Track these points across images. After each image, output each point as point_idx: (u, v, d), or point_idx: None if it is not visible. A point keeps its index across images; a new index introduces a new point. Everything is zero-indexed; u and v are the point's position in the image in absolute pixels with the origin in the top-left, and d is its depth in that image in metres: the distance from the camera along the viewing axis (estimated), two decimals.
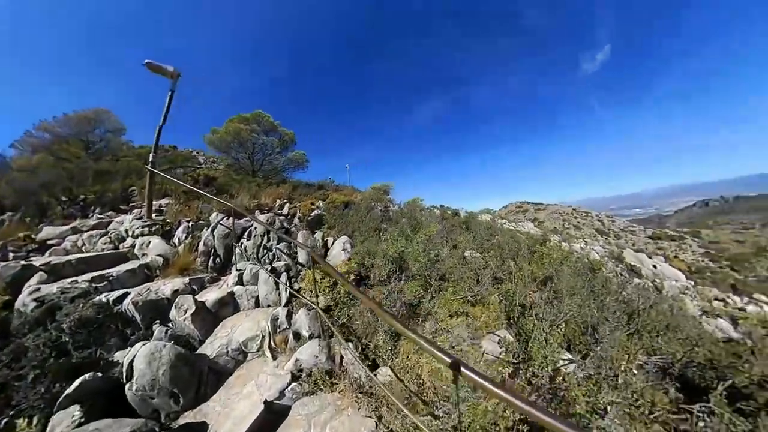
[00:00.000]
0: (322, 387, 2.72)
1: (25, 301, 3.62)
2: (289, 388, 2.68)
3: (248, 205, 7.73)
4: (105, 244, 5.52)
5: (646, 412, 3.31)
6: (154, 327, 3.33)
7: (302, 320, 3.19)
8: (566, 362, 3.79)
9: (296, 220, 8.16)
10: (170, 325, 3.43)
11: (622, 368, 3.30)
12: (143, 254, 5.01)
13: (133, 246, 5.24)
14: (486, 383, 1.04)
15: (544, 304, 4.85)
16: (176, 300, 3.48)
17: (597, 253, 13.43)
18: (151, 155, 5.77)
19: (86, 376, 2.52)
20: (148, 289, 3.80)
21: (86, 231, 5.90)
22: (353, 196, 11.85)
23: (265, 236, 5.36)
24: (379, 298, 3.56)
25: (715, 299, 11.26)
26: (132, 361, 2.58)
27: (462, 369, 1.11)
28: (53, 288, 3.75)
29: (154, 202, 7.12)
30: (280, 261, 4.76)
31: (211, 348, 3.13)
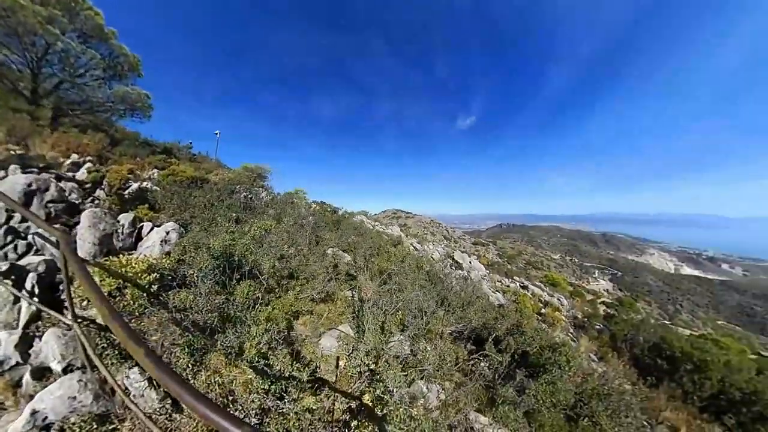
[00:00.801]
0: None
1: None
2: None
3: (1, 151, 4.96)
4: None
5: (450, 367, 4.53)
6: None
7: (51, 346, 2.18)
8: (397, 342, 4.45)
9: (100, 192, 5.91)
10: None
11: (433, 338, 4.27)
12: None
13: None
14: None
15: (389, 295, 5.56)
16: None
17: (439, 253, 16.97)
18: None
19: None
20: None
21: None
22: (215, 172, 9.72)
23: (17, 213, 3.48)
24: (190, 302, 2.91)
25: (497, 281, 16.65)
26: None
27: None
28: None
29: None
30: (39, 254, 3.18)
31: None
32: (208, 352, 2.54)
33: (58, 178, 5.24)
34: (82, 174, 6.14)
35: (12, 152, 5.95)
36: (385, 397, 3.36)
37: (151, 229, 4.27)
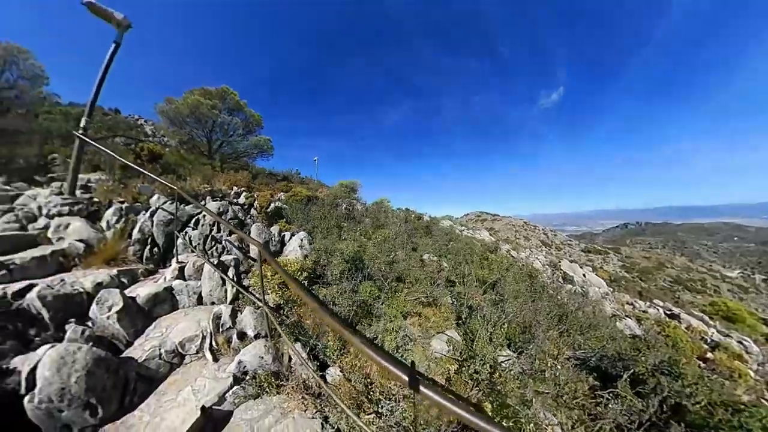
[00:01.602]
0: (267, 390, 2.61)
1: None
2: (230, 392, 2.52)
3: (199, 189, 7.07)
4: (8, 223, 4.59)
5: (569, 399, 3.82)
6: (67, 327, 2.86)
7: (248, 319, 3.01)
8: (506, 359, 4.18)
9: (253, 211, 7.71)
10: (89, 324, 2.99)
11: (549, 364, 3.74)
12: (59, 238, 4.27)
13: (46, 228, 4.44)
14: (445, 402, 1.03)
15: (491, 306, 5.27)
16: (98, 295, 3.03)
17: (540, 261, 14.93)
18: (83, 119, 4.84)
19: None
20: (62, 280, 3.25)
21: None
22: (319, 191, 11.51)
23: (215, 226, 4.95)
24: (333, 297, 3.51)
25: (627, 303, 13.27)
26: (34, 369, 2.19)
27: (421, 388, 1.10)
28: None
29: (81, 176, 6.04)
30: (229, 254, 4.43)
31: (140, 350, 2.80)
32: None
33: (230, 203, 7.21)
34: (241, 200, 8.30)
35: (205, 188, 8.66)
36: (505, 410, 3.17)
37: (291, 237, 5.34)
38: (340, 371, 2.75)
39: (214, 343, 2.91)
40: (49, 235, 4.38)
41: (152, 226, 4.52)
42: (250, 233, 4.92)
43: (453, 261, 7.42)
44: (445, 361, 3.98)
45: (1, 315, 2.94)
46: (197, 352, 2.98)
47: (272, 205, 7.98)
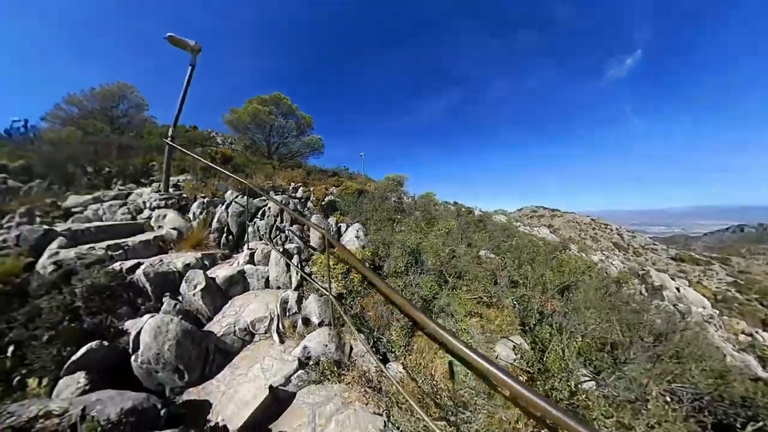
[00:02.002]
0: (329, 377, 2.60)
1: (44, 263, 3.65)
2: (295, 375, 2.57)
3: (263, 185, 7.68)
4: (124, 214, 5.57)
5: None
6: (163, 299, 3.28)
7: (313, 306, 3.06)
8: (588, 378, 3.53)
9: (310, 204, 8.07)
10: (179, 299, 3.39)
11: (654, 394, 3.02)
12: (159, 226, 5.01)
13: (149, 218, 5.26)
14: (474, 356, 1.02)
15: (563, 314, 4.59)
16: (187, 274, 3.42)
17: (615, 267, 12.81)
18: (170, 129, 5.77)
19: (93, 344, 2.48)
20: (161, 260, 3.76)
21: (107, 201, 5.97)
22: (367, 184, 11.68)
23: (279, 217, 5.27)
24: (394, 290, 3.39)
25: (742, 333, 10.51)
26: (139, 333, 2.52)
27: (454, 342, 1.10)
28: (71, 253, 3.77)
29: (172, 178, 7.21)
30: (292, 243, 4.65)
31: (218, 326, 3.06)
32: (414, 335, 2.83)
33: (290, 197, 7.69)
34: (299, 194, 8.83)
35: (267, 184, 9.45)
36: None
37: (346, 228, 5.42)
38: (403, 368, 2.60)
39: (280, 326, 3.03)
40: (152, 223, 5.18)
41: (227, 216, 5.01)
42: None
43: (514, 259, 6.74)
44: (511, 369, 3.55)
45: (118, 286, 3.52)
46: (265, 332, 3.15)
47: (327, 198, 8.30)
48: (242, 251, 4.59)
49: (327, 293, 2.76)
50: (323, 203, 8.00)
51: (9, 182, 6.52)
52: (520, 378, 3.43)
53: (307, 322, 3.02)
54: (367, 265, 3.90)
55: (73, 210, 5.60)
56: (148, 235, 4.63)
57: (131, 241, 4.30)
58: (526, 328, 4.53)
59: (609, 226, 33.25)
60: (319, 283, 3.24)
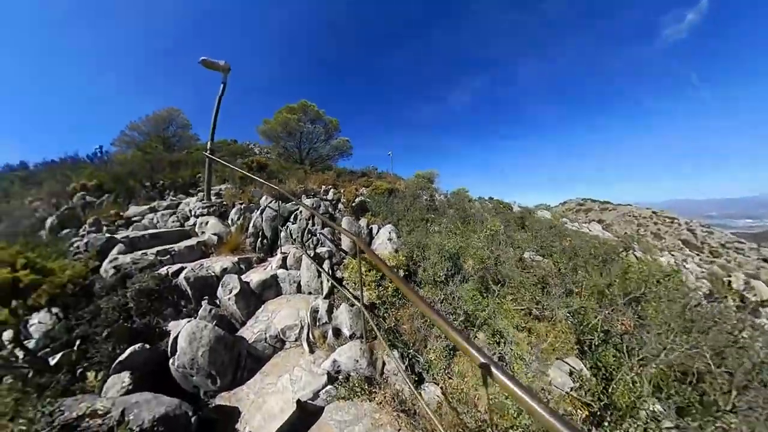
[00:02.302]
0: (359, 394, 2.40)
1: (106, 267, 4.01)
2: (324, 390, 2.42)
3: (295, 190, 7.84)
4: (174, 222, 6.03)
5: None
6: (202, 302, 3.38)
7: (344, 317, 2.90)
8: (671, 426, 2.82)
9: (341, 206, 8.06)
10: (217, 302, 3.48)
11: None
12: (202, 232, 5.31)
13: (194, 224, 5.61)
14: (516, 389, 0.96)
15: (631, 332, 3.88)
16: (223, 279, 3.50)
17: (691, 271, 10.93)
18: (208, 143, 6.24)
19: (136, 346, 2.58)
20: (201, 265, 3.92)
21: (160, 210, 6.54)
22: (397, 183, 11.45)
23: (310, 220, 5.27)
24: (432, 302, 3.09)
25: None
26: (176, 338, 2.56)
27: (493, 370, 1.03)
28: (127, 258, 4.10)
29: (215, 187, 7.76)
30: (323, 247, 4.59)
31: (250, 332, 3.05)
32: (455, 355, 2.53)
33: (321, 200, 7.76)
34: (329, 195, 8.91)
35: (300, 188, 9.73)
36: None
37: (378, 230, 5.24)
38: (441, 393, 2.30)
39: (311, 336, 2.92)
40: (196, 229, 5.51)
41: (262, 221, 5.13)
42: (341, 226, 5.03)
43: (564, 262, 5.97)
44: (568, 401, 3.02)
45: (164, 289, 3.74)
46: (296, 340, 3.06)
47: (357, 199, 8.24)
48: (276, 255, 4.65)
49: (358, 303, 2.57)
50: (354, 204, 7.93)
51: (87, 198, 7.48)
52: (581, 413, 2.90)
53: (337, 333, 2.86)
54: (401, 272, 3.66)
55: (132, 219, 6.21)
56: (192, 241, 4.91)
57: (177, 246, 4.58)
58: (585, 348, 3.90)
59: (676, 220, 27.72)
60: (351, 290, 3.07)
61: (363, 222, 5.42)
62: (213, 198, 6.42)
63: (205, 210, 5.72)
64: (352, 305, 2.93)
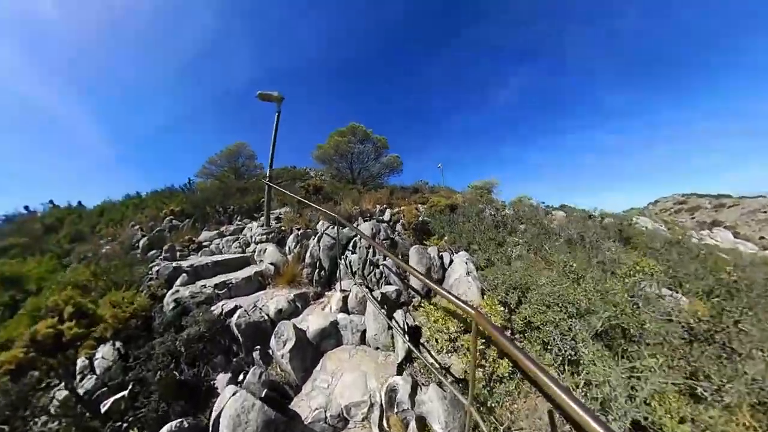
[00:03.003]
0: None
1: (168, 300, 3.85)
2: None
3: (351, 211, 7.38)
4: (236, 248, 5.99)
5: None
6: (254, 354, 2.87)
7: (434, 406, 2.01)
8: None
9: (399, 227, 7.30)
10: (269, 351, 2.93)
11: None
12: (260, 260, 5.05)
13: (254, 251, 5.43)
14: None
15: None
16: (277, 327, 2.95)
17: None
18: (267, 170, 6.40)
19: (173, 424, 2.07)
20: (255, 305, 3.49)
21: (227, 235, 6.66)
22: (453, 197, 10.35)
23: (370, 249, 4.60)
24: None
25: None
26: (219, 417, 1.99)
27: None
28: (186, 291, 3.91)
29: (275, 211, 7.80)
30: (389, 285, 3.84)
31: (306, 405, 2.36)
32: None
33: (378, 221, 7.13)
34: (386, 216, 8.24)
35: (355, 209, 9.33)
36: None
37: (451, 260, 4.31)
38: None
39: (385, 422, 2.10)
40: (255, 257, 5.30)
41: (319, 251, 4.64)
42: (408, 259, 4.21)
43: (718, 302, 4.18)
44: None
45: (217, 330, 3.37)
46: (363, 420, 2.28)
47: (418, 219, 7.40)
48: (334, 289, 4.05)
49: (452, 389, 1.67)
50: (414, 225, 7.12)
51: (173, 221, 8.16)
52: None
53: (422, 425, 1.99)
54: (500, 324, 2.64)
55: (203, 244, 6.38)
56: (249, 271, 4.63)
57: (235, 278, 4.30)
58: None
59: None
60: (435, 357, 2.19)
61: (432, 251, 4.53)
62: (273, 223, 6.33)
63: (264, 236, 5.53)
64: (445, 388, 2.02)
